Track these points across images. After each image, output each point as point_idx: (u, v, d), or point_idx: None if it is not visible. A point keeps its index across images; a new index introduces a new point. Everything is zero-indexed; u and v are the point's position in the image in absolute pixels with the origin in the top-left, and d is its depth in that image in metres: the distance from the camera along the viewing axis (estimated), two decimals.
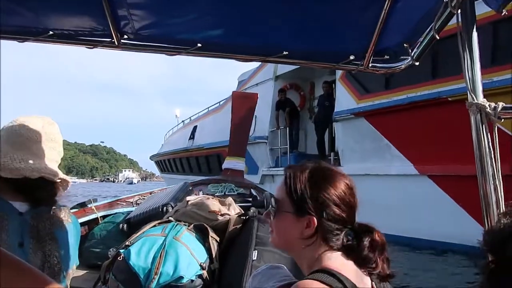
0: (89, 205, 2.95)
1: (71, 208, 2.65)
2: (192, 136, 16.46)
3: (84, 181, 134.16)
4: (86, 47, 1.53)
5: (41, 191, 1.26)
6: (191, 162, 16.21)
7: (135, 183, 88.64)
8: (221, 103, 14.83)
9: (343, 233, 0.95)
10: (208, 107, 16.19)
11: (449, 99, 6.46)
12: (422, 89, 7.19)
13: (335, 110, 9.00)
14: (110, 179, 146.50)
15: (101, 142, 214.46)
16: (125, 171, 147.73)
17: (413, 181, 7.42)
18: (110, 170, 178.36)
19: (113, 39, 1.48)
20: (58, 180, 1.32)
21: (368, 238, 0.95)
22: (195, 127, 16.70)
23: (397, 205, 7.49)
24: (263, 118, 11.01)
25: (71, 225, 1.35)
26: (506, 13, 1.03)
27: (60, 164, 1.38)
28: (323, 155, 9.59)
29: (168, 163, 19.32)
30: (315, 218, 0.94)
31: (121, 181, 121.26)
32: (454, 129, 5.61)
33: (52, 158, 1.32)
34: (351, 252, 0.94)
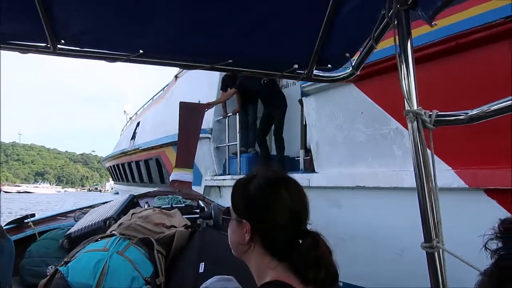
0: (25, 221, 2.81)
1: (6, 224, 2.75)
2: (133, 135, 12.67)
3: (73, 190, 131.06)
4: (19, 52, 1.46)
5: None
6: (132, 168, 12.40)
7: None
8: (165, 89, 11.12)
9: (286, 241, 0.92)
10: (153, 97, 12.44)
11: None
12: (459, 16, 3.39)
13: None
14: (99, 188, 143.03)
15: (92, 151, 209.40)
16: (111, 180, 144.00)
17: (454, 199, 3.42)
18: (101, 179, 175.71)
19: (49, 43, 1.41)
20: None
21: (314, 253, 0.88)
22: (138, 124, 12.93)
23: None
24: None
25: (5, 244, 1.35)
26: (436, 24, 1.04)
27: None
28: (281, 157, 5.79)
29: (114, 169, 15.43)
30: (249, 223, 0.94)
31: (107, 190, 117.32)
32: None
33: None
34: (293, 264, 0.90)
